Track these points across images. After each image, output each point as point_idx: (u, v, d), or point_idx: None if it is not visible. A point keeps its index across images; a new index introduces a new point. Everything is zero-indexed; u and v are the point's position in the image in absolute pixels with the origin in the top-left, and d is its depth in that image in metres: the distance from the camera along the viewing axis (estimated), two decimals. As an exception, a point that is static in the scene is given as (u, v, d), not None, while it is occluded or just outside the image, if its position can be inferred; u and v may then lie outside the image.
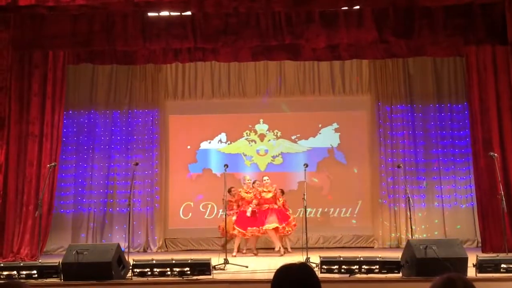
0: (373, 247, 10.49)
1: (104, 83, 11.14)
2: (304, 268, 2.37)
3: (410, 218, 8.31)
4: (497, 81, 8.91)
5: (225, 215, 8.47)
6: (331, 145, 11.05)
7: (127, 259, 6.90)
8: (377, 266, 6.39)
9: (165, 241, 10.80)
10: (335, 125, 11.08)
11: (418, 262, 6.17)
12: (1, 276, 6.39)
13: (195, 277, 6.38)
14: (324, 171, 10.96)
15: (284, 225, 9.16)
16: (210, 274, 6.45)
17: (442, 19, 8.63)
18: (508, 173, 8.66)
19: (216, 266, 7.13)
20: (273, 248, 9.50)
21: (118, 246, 6.73)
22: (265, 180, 9.48)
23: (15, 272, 6.46)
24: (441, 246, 6.34)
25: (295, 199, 9.66)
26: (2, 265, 6.87)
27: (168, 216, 10.96)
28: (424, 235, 10.28)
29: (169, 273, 6.41)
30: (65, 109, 9.66)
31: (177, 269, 6.40)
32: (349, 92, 11.12)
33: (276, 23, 8.69)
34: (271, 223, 9.12)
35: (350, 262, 6.46)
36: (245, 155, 11.06)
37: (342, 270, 6.37)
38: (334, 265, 6.42)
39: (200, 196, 10.89)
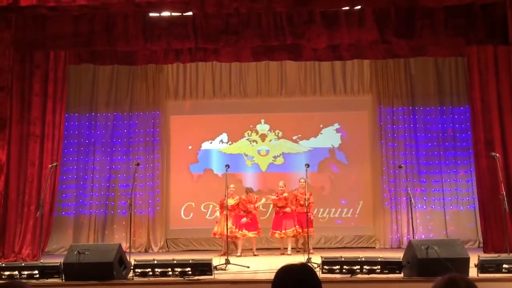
0: (374, 248, 10.49)
1: (105, 83, 11.15)
2: (305, 269, 2.37)
3: (412, 219, 8.30)
4: (498, 81, 8.90)
5: (226, 215, 8.53)
6: (332, 145, 11.04)
7: (128, 259, 6.90)
8: (379, 267, 6.39)
9: (166, 241, 10.80)
10: (336, 125, 11.07)
11: (420, 262, 6.16)
12: (3, 276, 6.39)
13: (196, 277, 6.38)
14: (325, 171, 10.95)
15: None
16: (211, 274, 6.45)
17: (443, 19, 8.63)
18: (510, 173, 8.65)
19: (217, 266, 7.13)
20: (276, 249, 9.70)
21: (120, 246, 6.73)
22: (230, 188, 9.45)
23: (16, 272, 6.46)
24: (443, 247, 6.33)
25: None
26: (3, 265, 6.87)
27: (170, 217, 10.96)
28: (426, 236, 10.26)
29: (170, 273, 6.41)
30: (66, 109, 9.68)
31: (179, 269, 6.40)
32: (350, 92, 11.11)
33: (277, 23, 8.69)
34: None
35: (351, 262, 6.45)
36: (246, 155, 11.06)
37: (344, 270, 6.37)
38: (335, 266, 6.42)
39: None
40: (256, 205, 9.59)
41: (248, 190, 9.72)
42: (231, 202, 9.28)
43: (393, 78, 10.96)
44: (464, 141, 10.67)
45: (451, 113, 10.85)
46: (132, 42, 8.92)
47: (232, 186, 9.53)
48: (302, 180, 9.35)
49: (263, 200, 9.82)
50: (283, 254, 9.44)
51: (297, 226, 9.37)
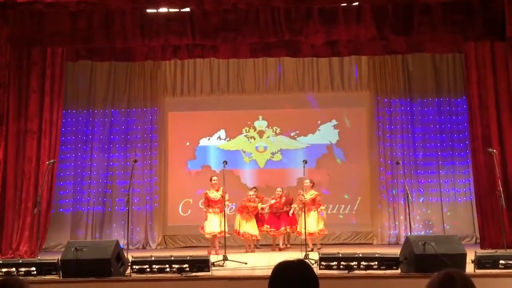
0: (372, 244, 10.51)
1: (103, 80, 11.12)
2: (302, 265, 2.38)
3: (409, 215, 8.31)
4: (496, 77, 8.90)
5: (225, 214, 8.54)
6: (330, 141, 11.04)
7: (126, 256, 6.91)
8: (376, 262, 6.41)
9: (164, 238, 10.80)
10: (334, 122, 11.07)
11: (417, 258, 6.18)
12: (0, 273, 6.39)
13: (194, 274, 6.39)
14: (323, 168, 10.96)
15: None
16: (209, 271, 6.46)
17: (441, 15, 8.63)
18: (507, 169, 8.66)
19: (215, 263, 7.14)
20: (273, 245, 9.72)
21: (117, 243, 6.74)
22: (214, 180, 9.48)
23: (14, 269, 6.46)
24: (440, 242, 6.35)
25: (294, 196, 9.77)
26: (1, 262, 6.88)
27: (167, 213, 10.96)
28: (423, 232, 10.29)
29: (168, 269, 6.42)
30: (63, 106, 9.65)
31: (176, 266, 6.41)
32: (348, 88, 11.10)
33: (275, 20, 8.68)
34: None
35: (349, 258, 6.47)
36: (244, 152, 11.06)
37: (341, 266, 6.39)
38: (333, 262, 6.44)
39: (199, 191, 10.86)
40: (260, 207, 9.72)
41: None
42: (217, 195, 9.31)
43: (390, 75, 10.96)
44: (461, 137, 10.67)
45: (449, 109, 10.85)
46: (130, 39, 8.90)
47: (215, 178, 9.50)
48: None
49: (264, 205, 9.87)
50: (280, 250, 9.48)
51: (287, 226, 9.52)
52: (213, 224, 9.16)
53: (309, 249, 8.98)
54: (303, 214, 8.83)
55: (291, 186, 10.53)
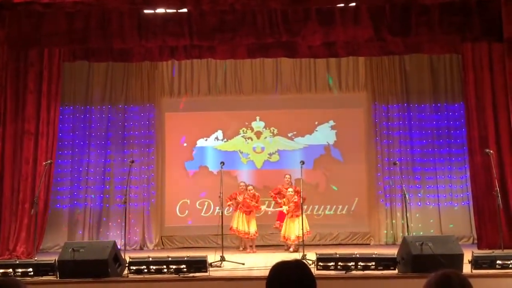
0: (369, 244, 10.51)
1: (100, 80, 11.09)
2: (299, 265, 2.38)
3: (406, 215, 8.32)
4: (493, 78, 8.93)
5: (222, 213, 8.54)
6: (327, 142, 11.05)
7: (123, 256, 6.91)
8: (373, 263, 6.42)
9: (161, 238, 10.78)
10: (331, 123, 11.08)
11: (414, 258, 6.20)
12: (-3, 274, 6.38)
13: (191, 275, 6.40)
14: (320, 169, 10.96)
15: None
16: (206, 271, 6.46)
17: (439, 16, 8.66)
18: (504, 170, 8.69)
19: (212, 263, 7.14)
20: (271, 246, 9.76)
21: (115, 243, 6.74)
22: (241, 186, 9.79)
23: (10, 270, 6.46)
24: (437, 243, 6.38)
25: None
26: (-2, 263, 6.86)
27: (165, 214, 10.94)
28: (420, 232, 10.30)
29: (165, 270, 6.42)
30: (61, 106, 9.63)
31: (174, 267, 6.41)
32: (346, 89, 11.11)
33: (273, 21, 8.69)
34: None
35: (346, 259, 6.48)
36: (241, 153, 11.05)
37: (338, 267, 6.41)
38: (330, 262, 6.45)
39: (202, 194, 10.85)
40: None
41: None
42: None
43: (388, 75, 10.97)
44: (458, 138, 10.70)
45: (446, 110, 10.88)
46: (127, 39, 8.90)
47: (250, 187, 9.68)
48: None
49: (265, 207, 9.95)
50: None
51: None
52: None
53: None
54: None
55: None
